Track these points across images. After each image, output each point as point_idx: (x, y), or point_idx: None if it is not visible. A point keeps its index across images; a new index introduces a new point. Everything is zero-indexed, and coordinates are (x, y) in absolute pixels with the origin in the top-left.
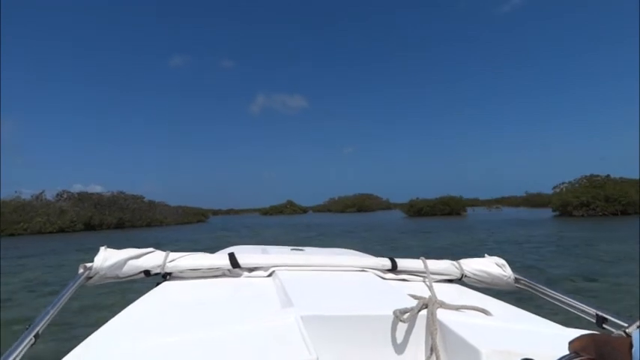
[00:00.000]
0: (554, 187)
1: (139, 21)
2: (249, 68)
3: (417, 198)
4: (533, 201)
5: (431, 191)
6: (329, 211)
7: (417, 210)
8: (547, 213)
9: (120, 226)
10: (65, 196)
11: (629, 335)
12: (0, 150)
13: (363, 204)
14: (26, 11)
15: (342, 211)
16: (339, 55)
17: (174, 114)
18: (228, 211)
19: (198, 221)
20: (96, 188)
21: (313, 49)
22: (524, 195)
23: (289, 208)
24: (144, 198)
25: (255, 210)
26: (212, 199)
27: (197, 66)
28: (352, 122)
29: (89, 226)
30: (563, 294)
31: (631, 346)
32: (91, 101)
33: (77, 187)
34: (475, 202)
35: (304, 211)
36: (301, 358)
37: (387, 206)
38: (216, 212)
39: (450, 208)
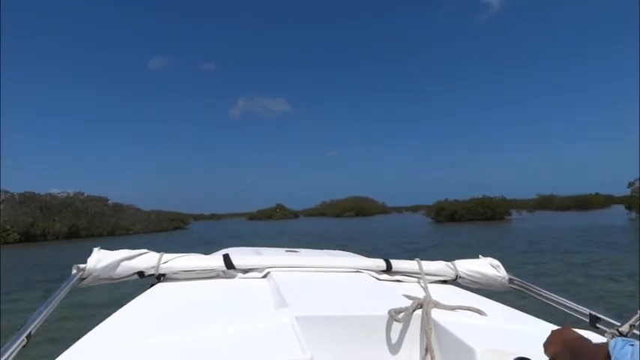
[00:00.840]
0: (630, 184)
1: (117, 20)
2: (230, 71)
3: (446, 199)
4: (586, 201)
5: (430, 195)
6: (322, 215)
7: (449, 214)
8: (618, 216)
9: (73, 235)
10: (2, 197)
11: (622, 334)
12: None
13: (361, 207)
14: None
15: (339, 216)
16: (321, 59)
17: (153, 117)
18: (211, 216)
19: (176, 228)
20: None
21: (296, 52)
22: (576, 195)
23: (279, 213)
24: (107, 200)
25: (240, 214)
26: (194, 203)
27: (177, 68)
28: (336, 126)
29: (29, 236)
30: (556, 294)
31: (608, 356)
32: (69, 104)
33: (54, 192)
34: (512, 204)
35: (295, 215)
36: (296, 357)
37: (384, 210)
38: (197, 217)
39: (491, 211)
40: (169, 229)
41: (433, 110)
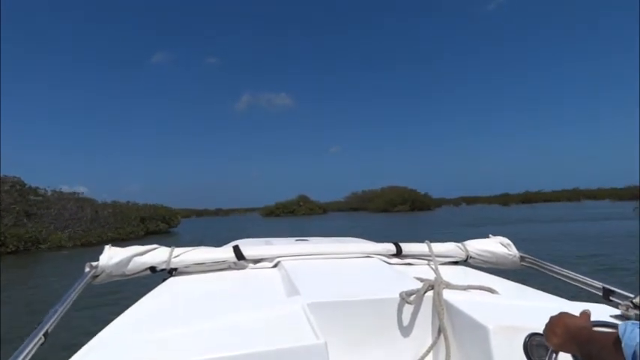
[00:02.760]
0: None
1: (119, 16)
2: (234, 65)
3: None
4: None
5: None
6: (354, 209)
7: None
8: None
9: None
10: None
11: (636, 306)
12: None
13: (416, 199)
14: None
15: (386, 210)
16: (325, 54)
17: (156, 112)
18: (217, 212)
19: (150, 233)
20: (80, 189)
21: (301, 47)
22: None
23: (303, 207)
24: (24, 185)
25: (251, 209)
26: (198, 198)
27: (180, 63)
28: (339, 121)
29: None
30: (569, 270)
31: (618, 340)
32: (73, 101)
33: (64, 189)
34: None
35: (324, 210)
36: (309, 343)
37: (432, 203)
38: (201, 213)
39: None
40: (138, 236)
41: (442, 111)
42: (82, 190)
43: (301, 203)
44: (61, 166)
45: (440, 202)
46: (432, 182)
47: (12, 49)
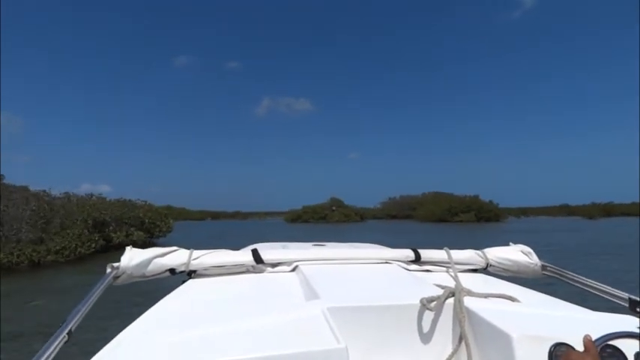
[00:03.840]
0: None
1: (143, 20)
2: (254, 70)
3: None
4: None
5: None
6: (392, 217)
7: None
8: None
9: None
10: None
11: None
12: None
13: (481, 208)
14: (32, 11)
15: (443, 220)
16: (344, 58)
17: (177, 115)
18: (234, 214)
19: (115, 248)
20: (103, 188)
21: (320, 52)
22: None
23: (337, 212)
24: None
25: (271, 213)
26: (216, 200)
27: (202, 67)
28: (358, 127)
29: None
30: (593, 280)
31: None
32: (96, 102)
33: (85, 188)
34: None
35: (361, 216)
36: (330, 347)
37: (500, 213)
38: (217, 215)
39: None
40: (80, 255)
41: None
42: (105, 189)
43: (334, 208)
44: (87, 166)
45: (504, 213)
46: (467, 189)
47: (34, 53)
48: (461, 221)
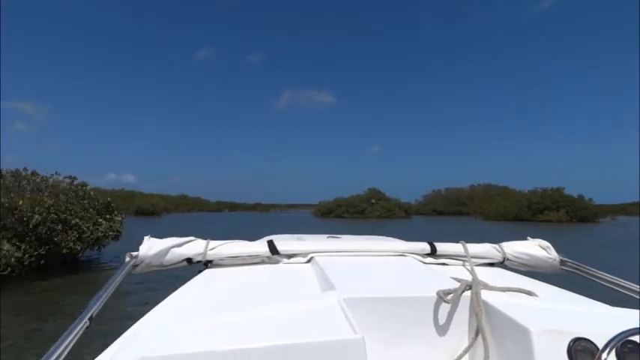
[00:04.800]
0: None
1: (166, 14)
2: (276, 62)
3: None
4: None
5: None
6: (439, 213)
7: None
8: None
9: None
10: None
11: None
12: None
13: (573, 205)
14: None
15: (520, 219)
16: (367, 51)
17: (199, 107)
18: (255, 206)
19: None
20: (128, 178)
21: (342, 43)
22: None
23: (378, 207)
24: None
25: (293, 206)
26: (236, 192)
27: (224, 59)
28: (381, 119)
29: None
30: (614, 275)
31: None
32: (120, 93)
33: (110, 177)
34: None
35: (405, 211)
36: (347, 337)
37: (596, 211)
38: (234, 207)
39: None
40: None
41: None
42: (130, 179)
43: (373, 200)
44: (112, 156)
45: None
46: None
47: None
48: (549, 221)
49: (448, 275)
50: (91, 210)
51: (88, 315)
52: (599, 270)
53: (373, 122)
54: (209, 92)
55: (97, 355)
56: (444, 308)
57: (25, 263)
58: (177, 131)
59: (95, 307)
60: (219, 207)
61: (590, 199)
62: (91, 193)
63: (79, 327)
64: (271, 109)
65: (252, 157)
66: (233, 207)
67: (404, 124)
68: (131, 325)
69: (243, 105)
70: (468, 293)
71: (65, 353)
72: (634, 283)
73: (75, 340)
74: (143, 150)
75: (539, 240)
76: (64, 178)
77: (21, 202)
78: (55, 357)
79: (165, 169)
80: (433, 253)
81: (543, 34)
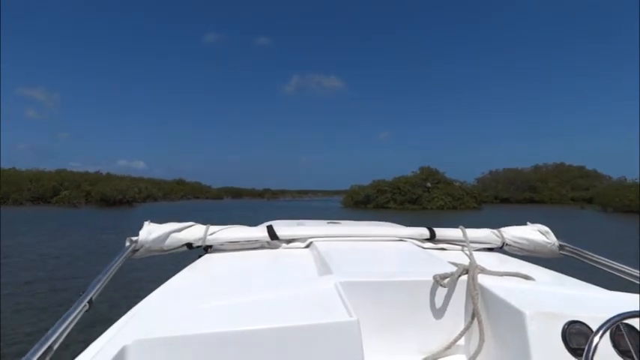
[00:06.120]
0: None
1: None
2: (284, 46)
3: None
4: None
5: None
6: (504, 201)
7: None
8: None
9: None
10: None
11: None
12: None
13: None
14: None
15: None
16: (376, 36)
17: (205, 92)
18: (262, 193)
19: None
20: (138, 165)
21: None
22: None
23: (439, 193)
24: None
25: (304, 192)
26: (244, 178)
27: (231, 43)
28: (389, 104)
29: None
30: (613, 259)
31: None
32: (127, 80)
33: (122, 163)
34: None
35: (475, 199)
36: (342, 320)
37: None
38: (238, 193)
39: None
40: None
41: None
42: (140, 165)
43: (429, 184)
44: (123, 143)
45: None
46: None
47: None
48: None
49: (446, 260)
50: None
51: (87, 298)
52: (601, 255)
53: (381, 108)
54: (217, 77)
55: (96, 338)
56: (441, 292)
57: None
58: (185, 117)
59: (94, 290)
60: (220, 194)
61: None
62: None
63: (77, 310)
64: (279, 94)
65: (261, 143)
66: (237, 194)
67: (413, 109)
68: (130, 309)
69: (251, 90)
70: (464, 277)
71: (64, 336)
72: (634, 268)
73: (74, 323)
74: (153, 137)
75: (539, 225)
76: None
77: None
78: (53, 339)
79: (173, 155)
80: (432, 238)
81: None
